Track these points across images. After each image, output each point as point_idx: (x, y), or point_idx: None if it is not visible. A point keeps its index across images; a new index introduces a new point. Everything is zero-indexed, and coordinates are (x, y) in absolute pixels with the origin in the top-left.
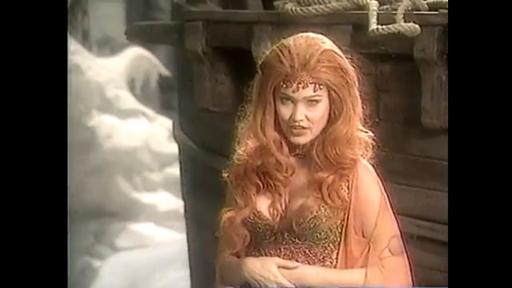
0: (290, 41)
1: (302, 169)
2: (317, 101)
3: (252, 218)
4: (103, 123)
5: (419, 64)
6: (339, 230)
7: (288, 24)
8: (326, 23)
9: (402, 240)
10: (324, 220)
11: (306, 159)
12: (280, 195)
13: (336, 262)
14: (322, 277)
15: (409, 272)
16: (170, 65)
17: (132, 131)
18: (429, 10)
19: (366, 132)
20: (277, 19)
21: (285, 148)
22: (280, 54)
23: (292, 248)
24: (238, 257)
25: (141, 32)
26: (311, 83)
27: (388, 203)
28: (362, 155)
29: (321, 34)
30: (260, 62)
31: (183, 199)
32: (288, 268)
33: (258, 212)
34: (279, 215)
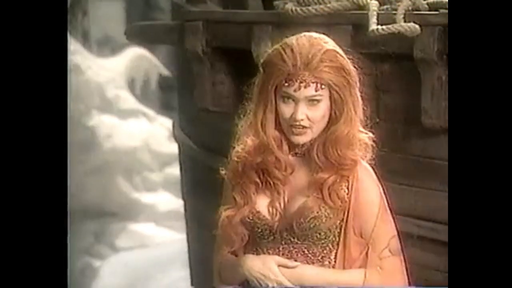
0: (292, 40)
1: (301, 168)
2: (318, 100)
3: (251, 217)
4: (103, 123)
5: (419, 64)
6: (338, 231)
7: (288, 24)
8: (326, 23)
9: (400, 240)
10: (324, 221)
11: (306, 158)
12: (279, 193)
13: (335, 262)
14: (321, 277)
15: (405, 273)
16: (170, 65)
17: (132, 131)
18: (429, 10)
19: (366, 133)
20: (277, 19)
21: (285, 147)
22: (282, 53)
23: (291, 248)
24: (236, 255)
25: (141, 32)
26: (313, 83)
27: (387, 204)
28: (362, 156)
29: (322, 34)
30: (262, 61)
31: (183, 199)
32: (288, 267)
33: (257, 212)
34: (278, 214)
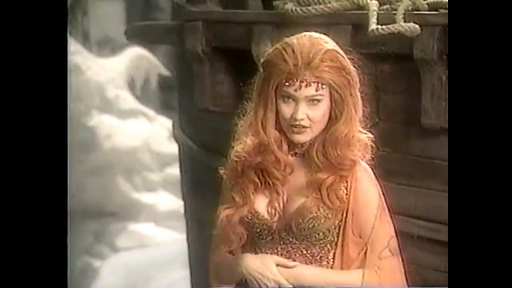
0: (293, 40)
1: (300, 168)
2: (318, 100)
3: (250, 217)
4: (103, 123)
5: (419, 64)
6: (337, 231)
7: (288, 24)
8: (326, 23)
9: (398, 240)
10: (322, 221)
11: (305, 158)
12: (278, 193)
13: (333, 262)
14: (320, 277)
15: (403, 273)
16: (170, 65)
17: (132, 131)
18: (429, 10)
19: (366, 134)
20: (277, 19)
21: (285, 147)
22: (283, 52)
23: (289, 248)
24: (233, 255)
25: (141, 32)
26: (313, 82)
27: (385, 205)
28: (361, 157)
29: (322, 34)
30: (262, 60)
31: (183, 199)
32: (286, 267)
33: (256, 212)
34: (277, 214)
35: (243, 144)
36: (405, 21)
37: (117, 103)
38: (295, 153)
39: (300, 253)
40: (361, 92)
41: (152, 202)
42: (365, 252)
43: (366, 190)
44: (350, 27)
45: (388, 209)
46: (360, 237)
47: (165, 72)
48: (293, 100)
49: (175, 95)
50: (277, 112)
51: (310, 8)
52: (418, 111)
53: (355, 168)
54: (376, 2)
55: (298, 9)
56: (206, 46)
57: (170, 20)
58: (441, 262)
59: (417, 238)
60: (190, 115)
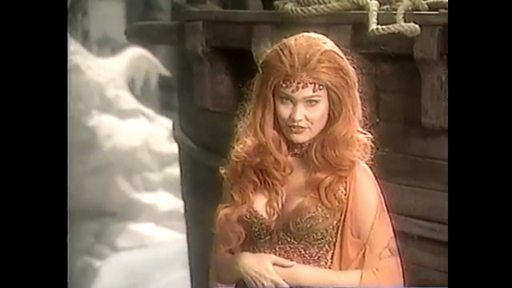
0: (291, 40)
1: (300, 169)
2: (316, 101)
3: (248, 216)
4: (103, 123)
5: (419, 64)
6: (335, 231)
7: (288, 24)
8: (326, 23)
9: (397, 241)
10: (320, 221)
11: (304, 159)
12: (277, 193)
13: (331, 262)
14: (317, 278)
15: (402, 274)
16: (170, 65)
17: (132, 131)
18: (429, 10)
19: (365, 134)
20: (277, 19)
21: (284, 147)
22: (280, 53)
23: (288, 248)
24: (233, 254)
25: (141, 32)
26: (310, 83)
27: (385, 205)
28: (360, 157)
29: (321, 34)
30: (260, 61)
31: (183, 199)
32: (283, 267)
33: (255, 211)
34: (275, 214)
35: (243, 144)
36: (405, 21)
37: (117, 103)
38: (295, 154)
39: (298, 253)
40: (360, 93)
41: (152, 202)
42: (364, 253)
43: (365, 191)
44: (350, 27)
45: (388, 210)
46: (359, 237)
47: (165, 72)
48: (291, 101)
49: (175, 95)
50: (276, 113)
51: (310, 8)
52: (418, 111)
53: (354, 168)
54: (376, 2)
55: (298, 9)
56: (206, 46)
57: (170, 20)
58: (441, 262)
59: (417, 238)
60: (190, 115)
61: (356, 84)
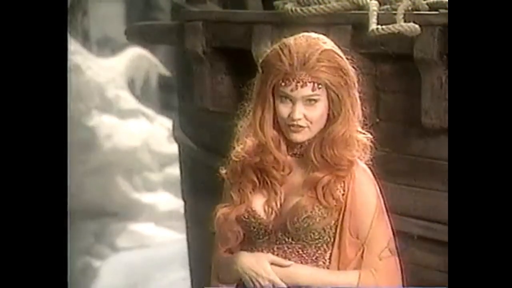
0: (291, 40)
1: (299, 169)
2: (315, 100)
3: (246, 216)
4: (103, 123)
5: (419, 64)
6: (333, 231)
7: (288, 24)
8: (326, 23)
9: (396, 241)
10: (318, 220)
11: (304, 159)
12: (276, 193)
13: (329, 262)
14: (315, 277)
15: (400, 274)
16: (170, 65)
17: (132, 131)
18: (429, 10)
19: (364, 134)
20: (277, 19)
21: (283, 147)
22: (280, 52)
23: (286, 248)
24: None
25: (141, 32)
26: (309, 82)
27: (384, 205)
28: (359, 157)
29: (321, 34)
30: (260, 61)
31: (183, 199)
32: (281, 266)
33: (253, 211)
34: (274, 213)
35: (243, 144)
36: (405, 21)
37: (117, 103)
38: (294, 154)
39: (297, 253)
40: (360, 93)
41: (152, 202)
42: (362, 253)
43: (364, 191)
44: (350, 27)
45: (387, 210)
46: (357, 237)
47: (165, 72)
48: (290, 100)
49: (175, 95)
50: (275, 112)
51: (310, 8)
52: (418, 111)
53: (353, 168)
54: (376, 2)
55: (298, 9)
56: (206, 46)
57: (170, 20)
58: (441, 262)
59: (417, 238)
60: (190, 115)
61: (356, 84)
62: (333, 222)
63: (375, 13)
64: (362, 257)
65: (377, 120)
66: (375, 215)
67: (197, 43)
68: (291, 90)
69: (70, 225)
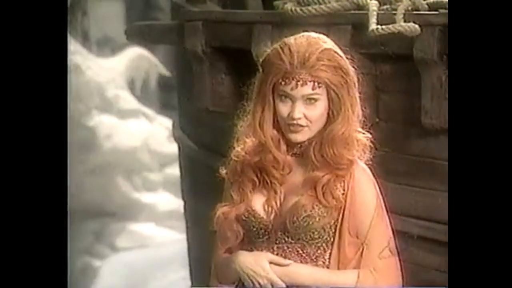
0: (291, 39)
1: (299, 168)
2: (315, 99)
3: (246, 215)
4: (103, 123)
5: (419, 64)
6: (333, 230)
7: (288, 24)
8: (326, 23)
9: (396, 241)
10: (317, 219)
11: (303, 159)
12: (275, 192)
13: (329, 262)
14: (314, 277)
15: (400, 274)
16: (170, 65)
17: (132, 131)
18: (429, 10)
19: (364, 134)
20: (277, 19)
21: (283, 147)
22: (280, 51)
23: (285, 248)
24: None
25: (141, 32)
26: (310, 81)
27: (383, 205)
28: (359, 157)
29: (321, 34)
30: (261, 60)
31: (183, 199)
32: (280, 265)
33: (253, 210)
34: (273, 213)
35: (242, 144)
36: (405, 21)
37: (117, 103)
38: (294, 153)
39: (296, 252)
40: (360, 92)
41: (152, 202)
42: (362, 253)
43: (364, 190)
44: (350, 27)
45: (388, 210)
46: (357, 237)
47: (165, 72)
48: (290, 99)
49: (175, 95)
50: (275, 112)
51: (310, 8)
52: (418, 111)
53: (353, 167)
54: (376, 2)
55: (298, 9)
56: (206, 46)
57: (170, 20)
58: (441, 262)
59: (417, 238)
60: (190, 115)
61: (356, 83)
62: (332, 221)
63: (375, 13)
64: (361, 256)
65: (377, 120)
66: (375, 215)
67: (197, 43)
68: (291, 89)
69: (70, 225)
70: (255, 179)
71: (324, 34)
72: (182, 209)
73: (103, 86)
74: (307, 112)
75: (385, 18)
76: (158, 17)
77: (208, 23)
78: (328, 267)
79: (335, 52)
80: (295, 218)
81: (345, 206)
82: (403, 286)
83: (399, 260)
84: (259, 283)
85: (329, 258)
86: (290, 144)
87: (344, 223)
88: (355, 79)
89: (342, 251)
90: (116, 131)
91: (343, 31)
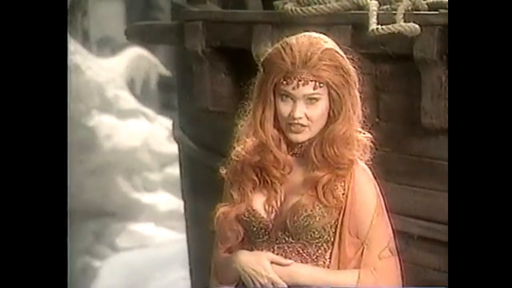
0: (293, 39)
1: (299, 168)
2: (316, 99)
3: (247, 215)
4: (103, 123)
5: (419, 64)
6: (333, 230)
7: (288, 24)
8: (326, 23)
9: (395, 241)
10: (318, 219)
11: (304, 158)
12: (276, 192)
13: (330, 262)
14: (315, 277)
15: (400, 274)
16: (170, 65)
17: (132, 131)
18: (429, 10)
19: (364, 134)
20: (277, 19)
21: (283, 146)
22: (282, 51)
23: (286, 247)
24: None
25: (141, 32)
26: (311, 81)
27: (384, 205)
28: (359, 157)
29: (322, 34)
30: (262, 59)
31: (183, 199)
32: (281, 265)
33: (253, 210)
34: (274, 212)
35: (243, 143)
36: (405, 21)
37: (117, 103)
38: (294, 153)
39: (297, 252)
40: (360, 92)
41: (152, 202)
42: (362, 252)
43: (364, 190)
44: (350, 27)
45: (388, 210)
46: (357, 237)
47: (165, 72)
48: (291, 98)
49: (175, 95)
50: (276, 111)
51: (310, 8)
52: (418, 111)
53: (353, 167)
54: (376, 2)
55: (298, 9)
56: (206, 46)
57: (170, 20)
58: (441, 262)
59: (417, 238)
60: (190, 115)
61: (357, 83)
62: (333, 221)
63: (375, 13)
64: (362, 256)
65: (377, 120)
66: (375, 215)
67: (197, 43)
68: (293, 89)
69: (70, 225)
70: (256, 178)
71: (324, 34)
72: (182, 209)
73: (103, 86)
74: (308, 112)
75: (385, 18)
76: (158, 17)
77: (208, 23)
78: (328, 267)
79: (336, 52)
80: (295, 218)
81: (345, 206)
82: (403, 286)
83: (399, 260)
84: (260, 283)
85: (330, 258)
86: (290, 144)
87: (344, 223)
88: (356, 79)
89: (343, 251)
90: (116, 131)
91: (343, 31)
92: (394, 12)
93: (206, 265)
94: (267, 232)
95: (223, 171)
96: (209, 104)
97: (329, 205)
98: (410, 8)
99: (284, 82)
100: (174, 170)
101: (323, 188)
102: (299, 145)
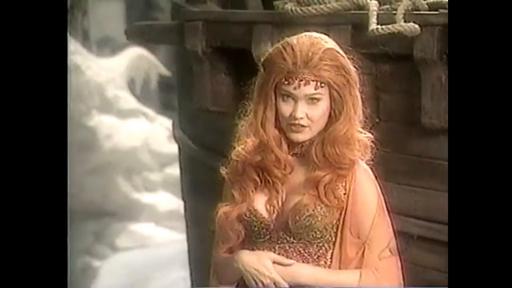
0: (293, 39)
1: (300, 168)
2: (318, 99)
3: (248, 215)
4: (103, 123)
5: (419, 64)
6: (334, 230)
7: (288, 24)
8: (326, 23)
9: (396, 241)
10: (319, 219)
11: (305, 158)
12: (277, 192)
13: (331, 262)
14: (316, 277)
15: (401, 274)
16: (170, 65)
17: (132, 131)
18: (429, 10)
19: (365, 134)
20: (277, 19)
21: (284, 146)
22: (283, 51)
23: (287, 247)
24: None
25: (141, 32)
26: (312, 81)
27: (385, 205)
28: (360, 157)
29: (322, 34)
30: (263, 59)
31: (183, 199)
32: (283, 265)
33: (255, 210)
34: (275, 212)
35: (244, 144)
36: (405, 21)
37: (117, 103)
38: (295, 153)
39: (298, 252)
40: (360, 92)
41: (152, 202)
42: (363, 252)
43: (365, 190)
44: (350, 27)
45: (388, 210)
46: (358, 237)
47: (165, 72)
48: (293, 98)
49: (175, 95)
50: (277, 111)
51: (310, 8)
52: (418, 111)
53: (354, 167)
54: (376, 2)
55: (298, 9)
56: (206, 46)
57: (170, 20)
58: (441, 262)
59: (417, 238)
60: (190, 115)
61: (357, 83)
62: (334, 221)
63: (375, 13)
64: (363, 256)
65: (377, 120)
66: (376, 215)
67: (197, 43)
68: (294, 89)
69: (70, 225)
70: (257, 178)
71: (324, 34)
72: (182, 209)
73: (103, 86)
74: (309, 112)
75: (385, 18)
76: (158, 17)
77: (208, 23)
78: (329, 267)
79: (337, 52)
80: (297, 218)
81: (346, 206)
82: (403, 286)
83: (400, 260)
84: (262, 283)
85: (331, 258)
86: (291, 144)
87: (345, 223)
88: (357, 78)
89: (344, 251)
90: (116, 131)
91: (343, 31)
92: (394, 12)
93: (206, 265)
94: (268, 232)
95: (223, 171)
96: (209, 104)
97: (330, 205)
98: (410, 8)
99: (286, 82)
100: (174, 170)
101: (324, 188)
102: (300, 145)
